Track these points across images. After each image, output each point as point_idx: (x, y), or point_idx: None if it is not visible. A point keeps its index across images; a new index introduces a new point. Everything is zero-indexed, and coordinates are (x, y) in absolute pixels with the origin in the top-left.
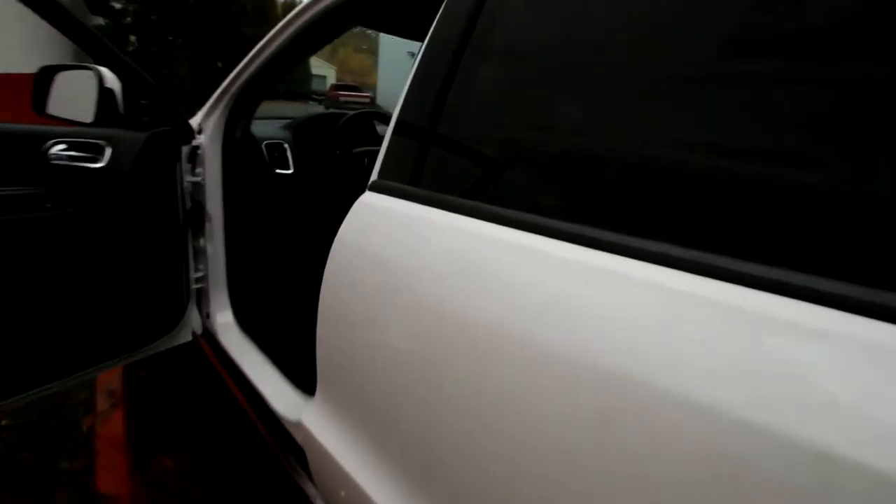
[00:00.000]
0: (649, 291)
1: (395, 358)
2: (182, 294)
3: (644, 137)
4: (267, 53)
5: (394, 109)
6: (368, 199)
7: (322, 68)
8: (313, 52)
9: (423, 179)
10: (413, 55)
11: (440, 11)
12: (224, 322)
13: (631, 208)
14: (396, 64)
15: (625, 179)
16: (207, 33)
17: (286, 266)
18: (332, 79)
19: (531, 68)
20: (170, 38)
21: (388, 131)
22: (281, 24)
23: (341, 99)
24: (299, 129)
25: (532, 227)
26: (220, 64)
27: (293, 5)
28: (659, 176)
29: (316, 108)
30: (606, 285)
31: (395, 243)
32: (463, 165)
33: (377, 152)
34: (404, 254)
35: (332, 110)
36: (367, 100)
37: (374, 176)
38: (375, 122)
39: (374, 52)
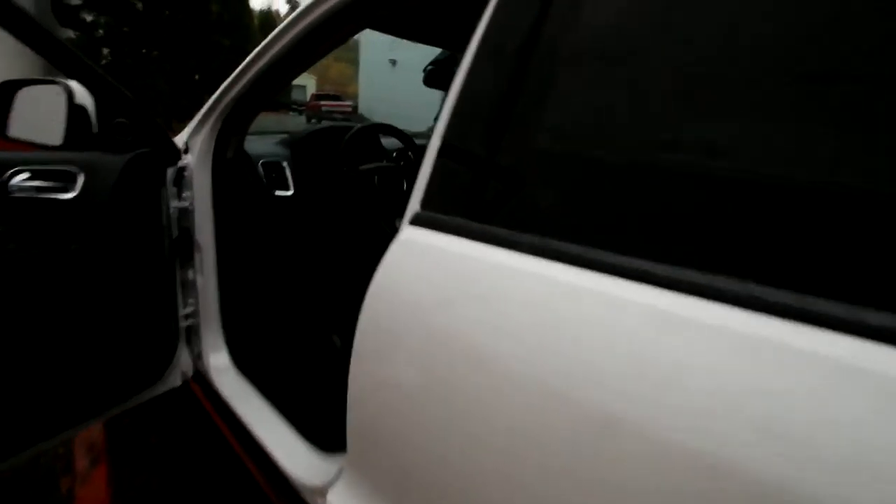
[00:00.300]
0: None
1: (463, 435)
2: (170, 335)
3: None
4: (262, 63)
5: (426, 125)
6: (412, 236)
7: (302, 78)
8: (315, 60)
9: (487, 212)
10: (394, 63)
11: (490, 12)
12: (219, 364)
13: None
14: (377, 72)
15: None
16: (183, 45)
17: (289, 300)
18: (312, 88)
19: (638, 75)
20: (144, 51)
21: (430, 154)
22: (278, 30)
23: (322, 108)
24: (299, 146)
25: (642, 277)
26: (197, 76)
27: (270, 16)
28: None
29: (297, 119)
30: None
31: (456, 292)
32: (547, 196)
33: (386, 169)
34: (471, 308)
35: (332, 124)
36: (350, 109)
37: (413, 207)
38: (380, 136)
39: (354, 61)
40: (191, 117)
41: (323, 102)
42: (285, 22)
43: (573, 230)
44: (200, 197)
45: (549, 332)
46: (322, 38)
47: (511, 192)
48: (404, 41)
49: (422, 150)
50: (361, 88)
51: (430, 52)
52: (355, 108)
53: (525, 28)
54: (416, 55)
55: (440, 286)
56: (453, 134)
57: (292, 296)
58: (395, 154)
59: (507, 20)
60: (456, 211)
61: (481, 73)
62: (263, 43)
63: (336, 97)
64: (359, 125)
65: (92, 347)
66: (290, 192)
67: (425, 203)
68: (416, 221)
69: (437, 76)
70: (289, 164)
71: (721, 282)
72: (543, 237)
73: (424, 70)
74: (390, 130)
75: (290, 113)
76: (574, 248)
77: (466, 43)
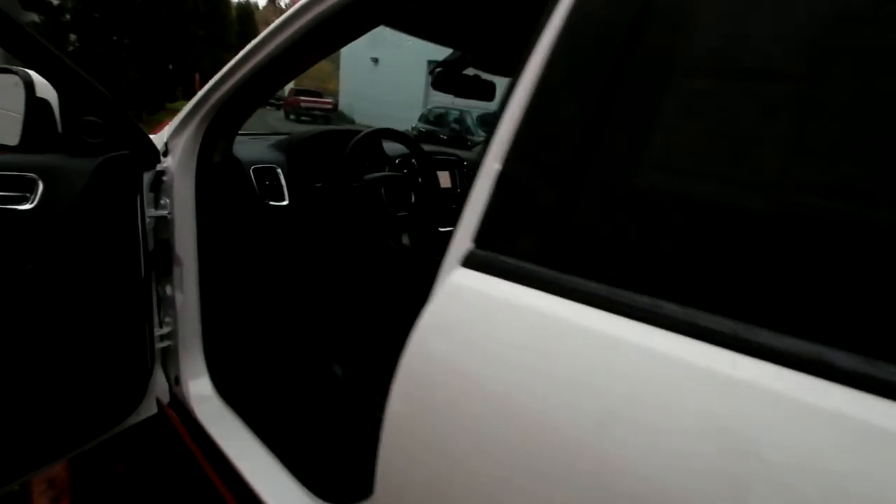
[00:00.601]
0: None
1: None
2: (145, 359)
3: None
4: (257, 59)
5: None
6: (466, 280)
7: None
8: (316, 59)
9: (570, 260)
10: (376, 61)
11: (566, 20)
12: (200, 392)
13: None
14: (359, 70)
15: None
16: (157, 33)
17: (282, 322)
18: (290, 83)
19: (782, 96)
20: (115, 38)
21: (484, 180)
22: (276, 24)
23: (302, 105)
24: (296, 151)
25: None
26: (171, 66)
27: (248, 7)
28: None
29: (275, 114)
30: None
31: (527, 356)
32: (653, 245)
33: (394, 179)
34: (549, 384)
35: (332, 128)
36: (330, 106)
37: (462, 242)
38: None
39: (334, 57)
40: (163, 108)
41: (302, 98)
42: (285, 16)
43: (680, 289)
44: (181, 205)
45: (650, 414)
46: (326, 37)
47: (604, 236)
48: (387, 39)
49: (428, 157)
50: (342, 85)
51: (412, 51)
52: (335, 104)
53: (623, 32)
54: (398, 53)
55: (509, 351)
56: (518, 161)
57: (286, 318)
58: (398, 161)
59: (586, 23)
60: (525, 253)
61: (558, 90)
62: (259, 38)
63: (316, 93)
64: (366, 130)
65: (53, 380)
66: (285, 202)
67: (480, 240)
68: (470, 262)
69: (447, 80)
70: (284, 170)
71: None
72: (643, 296)
73: (431, 72)
74: (396, 136)
75: (268, 108)
76: (688, 314)
77: (493, 44)
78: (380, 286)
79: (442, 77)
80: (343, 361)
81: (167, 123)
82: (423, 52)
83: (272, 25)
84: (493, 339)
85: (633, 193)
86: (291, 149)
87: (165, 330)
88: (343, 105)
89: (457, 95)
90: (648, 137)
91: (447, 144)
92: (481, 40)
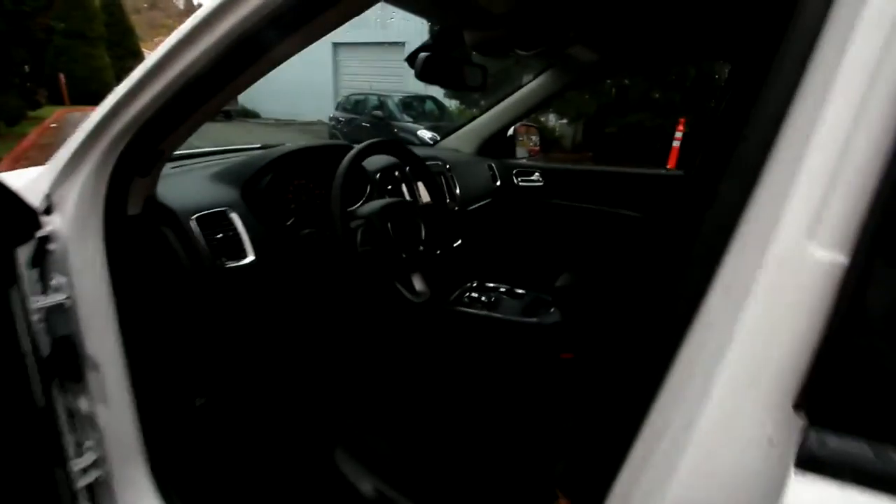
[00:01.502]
0: None
1: None
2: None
3: None
4: (190, 60)
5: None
6: None
7: None
8: (293, 51)
9: None
10: (338, 46)
11: None
12: None
13: None
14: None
15: None
16: (4, 29)
17: (274, 424)
18: None
19: None
20: None
21: (791, 278)
22: (215, 5)
23: None
24: (254, 183)
25: None
26: (27, 67)
27: None
28: None
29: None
30: None
31: None
32: None
33: (401, 207)
34: None
35: (302, 145)
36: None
37: (787, 417)
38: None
39: None
40: (25, 118)
41: None
42: None
43: None
44: (86, 283)
45: None
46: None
47: None
48: None
49: (421, 164)
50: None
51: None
52: (234, 98)
53: None
54: None
55: None
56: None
57: (278, 416)
58: (378, 175)
59: None
60: None
61: None
62: (190, 25)
63: None
64: (360, 146)
65: None
66: (248, 260)
67: (818, 408)
68: (814, 463)
69: (434, 69)
70: (241, 212)
71: None
72: None
73: (409, 60)
74: (392, 147)
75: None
76: None
77: None
78: (405, 356)
79: (430, 66)
80: (368, 471)
81: (35, 135)
82: (326, 37)
83: (197, 17)
84: None
85: None
86: (248, 182)
87: (88, 459)
88: (243, 98)
89: (445, 87)
90: None
91: (370, 132)
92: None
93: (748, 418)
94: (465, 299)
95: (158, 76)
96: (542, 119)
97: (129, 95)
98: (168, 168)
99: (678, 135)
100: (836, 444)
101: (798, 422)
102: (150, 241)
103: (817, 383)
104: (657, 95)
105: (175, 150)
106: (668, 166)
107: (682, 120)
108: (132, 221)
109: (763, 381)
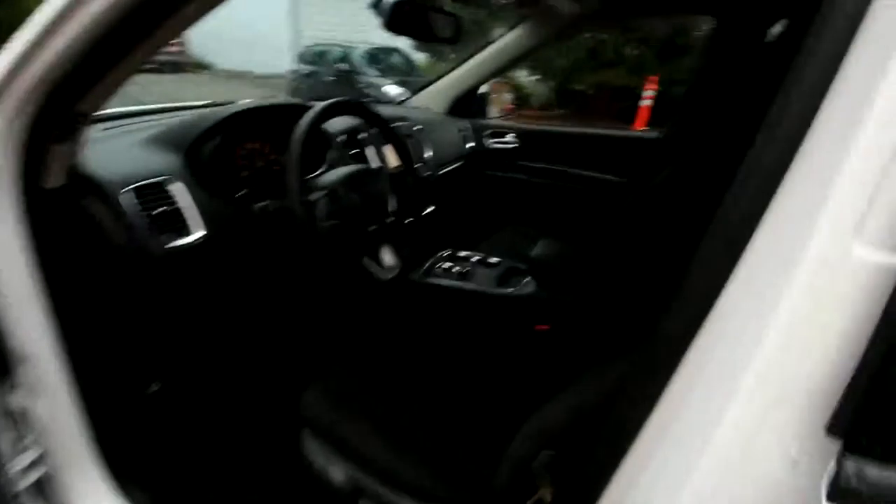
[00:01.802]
0: None
1: None
2: None
3: None
4: None
5: None
6: None
7: None
8: None
9: None
10: None
11: None
12: None
13: None
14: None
15: None
16: None
17: (224, 411)
18: None
19: None
20: None
21: (822, 295)
22: None
23: None
24: (198, 147)
25: None
26: None
27: None
28: None
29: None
30: None
31: None
32: None
33: (368, 175)
34: None
35: (249, 104)
36: (177, 49)
37: (823, 447)
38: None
39: None
40: None
41: None
42: None
43: None
44: (4, 269)
45: None
46: None
47: None
48: None
49: (388, 126)
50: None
51: None
52: (184, 48)
53: None
54: None
55: None
56: None
57: (233, 402)
58: (339, 139)
59: None
60: None
61: None
62: None
63: None
64: (321, 106)
65: None
66: (195, 237)
67: (868, 442)
68: (854, 495)
69: (404, 18)
70: (185, 182)
71: None
72: None
73: (374, 5)
74: (357, 109)
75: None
76: None
77: None
78: (374, 336)
79: (399, 16)
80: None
81: None
82: None
83: None
84: None
85: None
86: (192, 146)
87: (31, 455)
88: (196, 48)
89: (416, 38)
90: None
91: (333, 87)
92: None
93: (769, 434)
94: (437, 270)
95: (66, 22)
96: (513, 75)
97: (33, 47)
98: (99, 130)
99: (648, 93)
100: (878, 476)
101: (830, 446)
102: (75, 218)
103: (858, 404)
104: (634, 51)
105: (97, 110)
106: (637, 126)
107: (653, 78)
108: (53, 196)
109: (790, 396)
